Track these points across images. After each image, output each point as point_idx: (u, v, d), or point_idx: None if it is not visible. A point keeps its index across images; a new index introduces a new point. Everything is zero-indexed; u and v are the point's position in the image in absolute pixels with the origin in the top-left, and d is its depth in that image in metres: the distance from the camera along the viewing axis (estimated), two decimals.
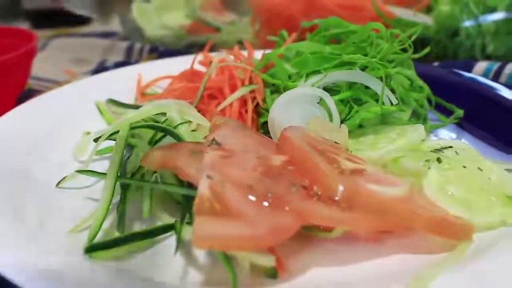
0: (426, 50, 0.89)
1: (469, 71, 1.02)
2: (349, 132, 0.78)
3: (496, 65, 1.01)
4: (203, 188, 0.55)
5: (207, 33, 1.38)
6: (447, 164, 0.66)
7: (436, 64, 1.07)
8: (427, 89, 0.84)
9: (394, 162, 0.70)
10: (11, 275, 0.50)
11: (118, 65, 1.23)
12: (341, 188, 0.57)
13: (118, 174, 0.65)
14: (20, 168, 0.74)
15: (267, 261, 0.54)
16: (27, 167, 0.76)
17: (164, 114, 0.78)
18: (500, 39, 1.08)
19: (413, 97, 0.82)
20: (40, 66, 1.35)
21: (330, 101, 0.76)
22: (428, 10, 1.19)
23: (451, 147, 0.71)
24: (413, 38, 0.86)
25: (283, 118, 0.76)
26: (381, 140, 0.75)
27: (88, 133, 0.87)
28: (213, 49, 1.15)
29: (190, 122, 0.76)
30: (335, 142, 0.70)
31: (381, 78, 0.77)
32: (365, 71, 0.79)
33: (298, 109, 0.76)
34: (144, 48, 1.39)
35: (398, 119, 0.81)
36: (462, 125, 0.88)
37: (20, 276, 0.50)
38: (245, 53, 0.98)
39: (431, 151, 0.69)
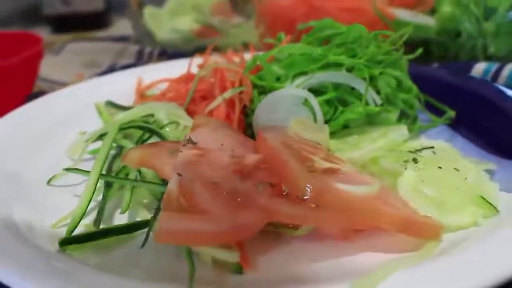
0: (419, 51, 0.89)
1: (468, 72, 1.01)
2: (334, 132, 0.79)
3: (495, 66, 1.00)
4: (172, 185, 0.57)
5: (215, 37, 1.40)
6: (422, 164, 0.66)
7: (435, 65, 1.06)
8: (415, 89, 0.84)
9: (374, 162, 0.70)
10: None
11: (125, 67, 1.26)
12: (308, 186, 0.58)
13: (102, 172, 0.67)
14: (14, 167, 0.77)
15: (231, 257, 0.55)
16: (22, 166, 0.79)
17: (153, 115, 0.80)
18: (501, 40, 1.06)
19: (401, 97, 0.82)
20: (53, 69, 1.40)
21: (314, 101, 0.77)
22: (433, 12, 1.18)
23: (432, 147, 0.72)
24: (404, 38, 0.86)
25: (267, 118, 0.77)
26: (364, 140, 0.75)
27: (84, 133, 0.89)
28: (219, 51, 1.18)
29: (177, 123, 0.78)
30: (317, 143, 0.71)
31: (365, 79, 0.77)
32: (352, 72, 0.80)
33: (282, 110, 0.77)
34: (154, 52, 1.42)
35: (385, 119, 0.81)
36: (456, 126, 0.87)
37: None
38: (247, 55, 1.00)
39: (410, 151, 0.69)
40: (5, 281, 0.51)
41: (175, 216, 0.53)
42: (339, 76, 0.79)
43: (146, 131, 0.76)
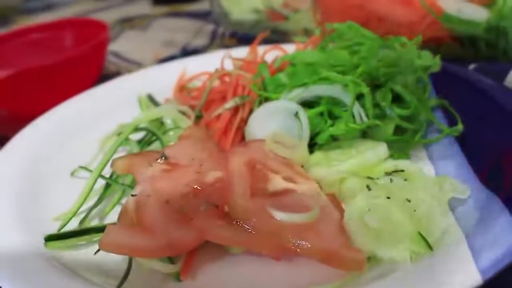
0: (437, 59, 0.87)
1: (504, 76, 0.95)
2: (323, 144, 0.82)
3: None
4: (130, 199, 0.66)
5: (280, 21, 1.43)
6: (375, 192, 0.68)
7: (473, 65, 1.01)
8: (414, 103, 0.82)
9: (341, 181, 0.73)
10: None
11: (189, 53, 1.36)
12: (244, 211, 0.64)
13: (101, 173, 0.78)
14: (51, 160, 0.92)
15: (167, 268, 0.64)
16: (60, 156, 0.93)
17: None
18: None
19: (397, 112, 0.82)
20: (136, 47, 1.55)
21: (303, 115, 0.80)
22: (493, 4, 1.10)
23: (402, 171, 0.72)
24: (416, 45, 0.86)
25: (257, 130, 0.82)
26: (341, 157, 0.78)
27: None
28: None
29: (180, 128, 0.86)
30: (289, 159, 0.76)
31: (354, 95, 0.79)
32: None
33: (274, 122, 0.82)
34: (226, 32, 1.50)
35: (381, 133, 0.82)
36: (468, 139, 0.84)
37: None
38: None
39: (369, 177, 0.71)
40: None
41: (119, 229, 0.63)
42: (331, 90, 0.81)
43: (152, 134, 0.86)
